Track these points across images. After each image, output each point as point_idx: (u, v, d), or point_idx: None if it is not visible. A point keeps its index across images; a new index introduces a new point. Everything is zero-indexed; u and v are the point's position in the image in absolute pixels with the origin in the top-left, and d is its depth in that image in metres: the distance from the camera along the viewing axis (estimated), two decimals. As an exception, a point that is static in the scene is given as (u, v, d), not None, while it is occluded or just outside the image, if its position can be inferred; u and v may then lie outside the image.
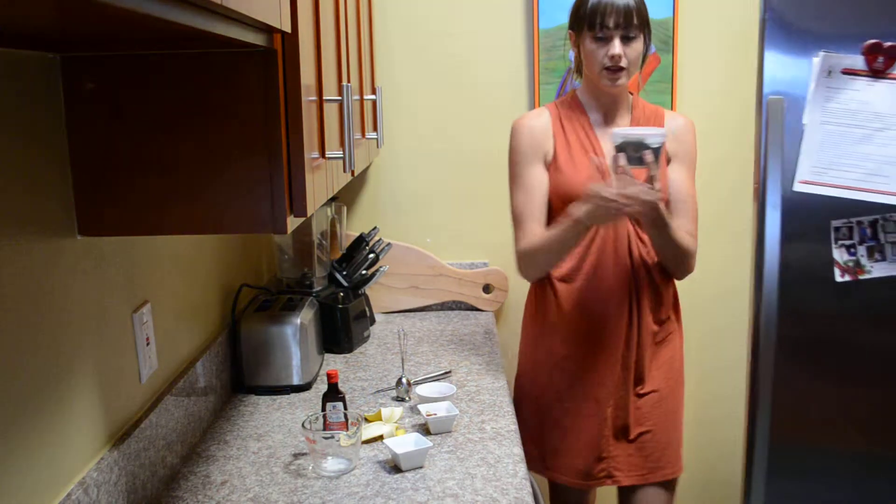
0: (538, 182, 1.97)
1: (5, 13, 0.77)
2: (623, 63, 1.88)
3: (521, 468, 1.62)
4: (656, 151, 1.73)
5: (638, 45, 1.90)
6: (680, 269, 1.99)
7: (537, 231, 1.95)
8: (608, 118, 2.01)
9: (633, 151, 1.74)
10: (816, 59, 2.05)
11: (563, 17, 2.58)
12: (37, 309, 1.16)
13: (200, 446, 1.76)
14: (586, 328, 1.99)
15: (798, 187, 2.09)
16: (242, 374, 2.06)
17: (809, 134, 2.07)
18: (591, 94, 2.01)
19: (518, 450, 1.71)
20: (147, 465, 1.48)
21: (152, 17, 0.67)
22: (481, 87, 2.67)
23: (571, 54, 2.65)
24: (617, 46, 1.86)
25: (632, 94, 2.05)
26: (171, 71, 1.13)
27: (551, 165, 1.98)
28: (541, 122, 2.01)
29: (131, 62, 1.14)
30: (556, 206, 1.97)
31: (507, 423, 1.84)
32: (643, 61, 1.97)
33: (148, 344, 1.53)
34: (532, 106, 2.67)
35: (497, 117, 2.66)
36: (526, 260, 1.98)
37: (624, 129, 1.79)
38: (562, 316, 2.01)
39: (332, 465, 1.62)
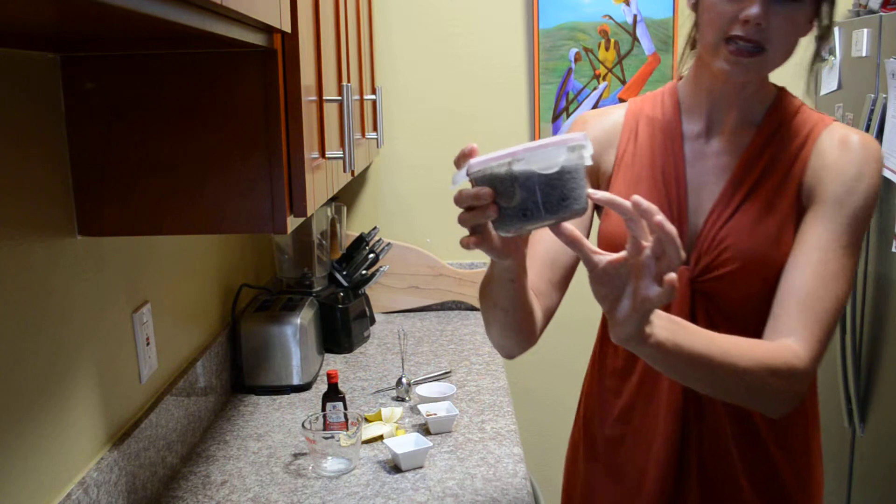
0: None
1: (5, 13, 0.77)
2: (762, 37, 1.08)
3: (521, 468, 1.62)
4: (548, 182, 0.84)
5: (798, 16, 1.10)
6: (762, 406, 1.12)
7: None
8: (715, 128, 1.22)
9: (503, 189, 0.86)
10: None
11: (563, 17, 2.58)
12: (37, 309, 1.16)
13: (200, 446, 1.76)
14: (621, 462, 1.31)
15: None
16: (242, 374, 2.06)
17: (889, 124, 2.20)
18: (697, 84, 1.22)
19: (518, 450, 1.71)
20: (147, 465, 1.48)
21: (152, 17, 0.67)
22: (481, 86, 2.67)
23: (572, 53, 2.66)
24: (760, 1, 1.07)
25: (780, 90, 1.24)
26: (172, 71, 1.13)
27: (608, 186, 1.28)
28: (607, 122, 1.30)
29: (131, 62, 1.14)
30: (607, 248, 1.08)
31: (507, 423, 1.84)
32: (815, 56, 1.21)
33: (148, 344, 1.53)
34: (532, 106, 2.67)
35: (496, 117, 2.67)
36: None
37: (482, 158, 0.86)
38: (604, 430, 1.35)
39: (332, 465, 1.62)
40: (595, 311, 1.19)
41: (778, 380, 1.05)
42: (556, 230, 0.88)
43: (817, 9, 1.13)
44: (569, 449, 1.47)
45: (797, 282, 1.11)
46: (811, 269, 1.11)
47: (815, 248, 1.12)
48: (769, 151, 1.18)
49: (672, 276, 0.85)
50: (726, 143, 1.21)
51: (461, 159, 0.88)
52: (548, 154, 0.85)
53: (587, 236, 1.20)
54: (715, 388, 1.08)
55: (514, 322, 1.12)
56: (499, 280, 1.06)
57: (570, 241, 0.88)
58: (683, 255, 0.86)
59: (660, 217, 0.83)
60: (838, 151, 1.15)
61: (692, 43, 1.25)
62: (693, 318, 1.17)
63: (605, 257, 0.88)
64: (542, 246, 1.24)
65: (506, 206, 0.86)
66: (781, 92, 1.23)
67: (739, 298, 1.17)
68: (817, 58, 1.21)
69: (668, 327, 0.96)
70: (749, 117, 1.21)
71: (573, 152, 0.85)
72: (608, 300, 0.90)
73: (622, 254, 0.87)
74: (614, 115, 1.31)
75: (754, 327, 1.14)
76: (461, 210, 0.89)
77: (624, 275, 0.88)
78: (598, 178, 1.30)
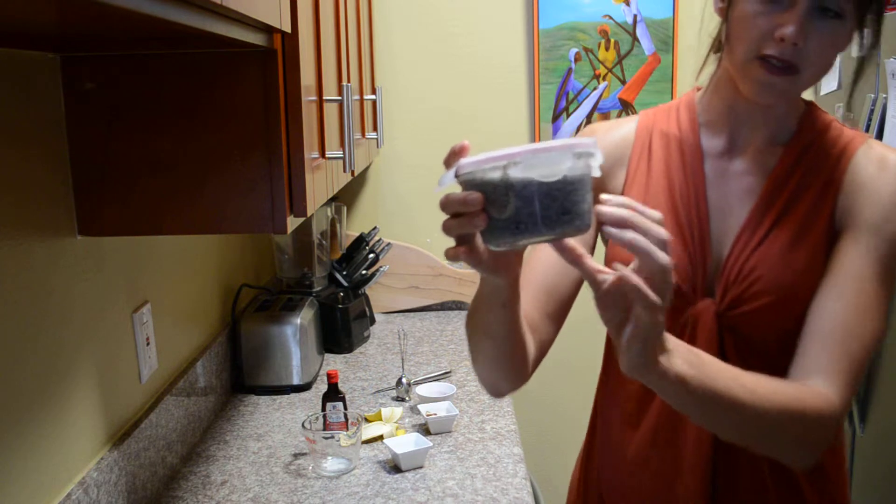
0: None
1: (5, 13, 0.77)
2: (798, 57, 0.97)
3: (521, 468, 1.62)
4: (548, 192, 0.74)
5: (838, 34, 0.98)
6: (785, 454, 1.00)
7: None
8: (739, 146, 1.10)
9: (496, 196, 0.75)
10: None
11: (563, 17, 2.58)
12: (37, 309, 1.16)
13: (200, 446, 1.76)
14: None
15: None
16: (242, 374, 2.06)
17: (889, 124, 2.19)
18: (718, 96, 1.11)
19: (518, 450, 1.71)
20: (147, 465, 1.48)
21: (152, 17, 0.67)
22: (481, 86, 2.67)
23: (572, 53, 2.66)
24: (797, 20, 0.95)
25: (809, 104, 1.11)
26: (171, 71, 1.13)
27: None
28: (616, 136, 1.17)
29: (131, 62, 1.14)
30: None
31: (507, 423, 1.84)
32: (858, 74, 1.14)
33: (148, 344, 1.52)
34: (532, 106, 2.67)
35: (496, 116, 2.67)
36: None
37: (474, 158, 0.76)
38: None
39: (332, 465, 1.62)
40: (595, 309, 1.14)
41: (804, 427, 0.95)
42: (557, 245, 0.80)
43: (860, 23, 1.00)
44: (571, 484, 1.34)
45: (827, 315, 1.00)
46: (843, 302, 0.99)
47: (848, 277, 1.00)
48: (799, 172, 1.07)
49: (649, 295, 0.77)
50: (752, 162, 1.09)
51: (451, 158, 0.78)
52: (550, 159, 0.73)
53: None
54: (734, 432, 0.97)
55: (505, 354, 1.01)
56: (488, 303, 0.95)
57: (573, 259, 0.80)
58: (664, 259, 0.78)
59: (612, 230, 0.78)
60: (876, 172, 1.04)
61: (716, 47, 1.11)
62: (723, 357, 1.02)
63: (610, 276, 0.80)
64: (538, 271, 1.12)
65: (497, 216, 0.75)
66: (810, 107, 1.11)
67: (773, 336, 1.04)
68: (859, 77, 1.10)
69: (688, 360, 0.86)
70: (776, 135, 1.09)
71: (579, 160, 0.74)
72: (613, 324, 0.82)
73: (626, 270, 0.79)
74: (624, 129, 1.17)
75: (783, 367, 1.01)
76: (447, 216, 0.79)
77: (630, 295, 0.79)
78: (606, 193, 1.14)
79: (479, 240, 0.81)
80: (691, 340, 1.03)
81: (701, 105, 1.14)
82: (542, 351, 1.10)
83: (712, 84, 1.12)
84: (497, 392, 1.09)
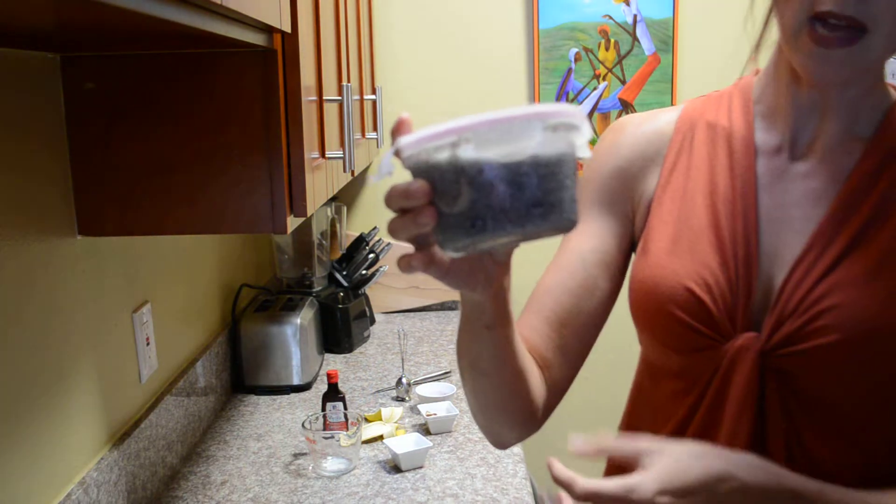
0: (587, 248, 0.91)
1: (5, 13, 0.77)
2: (863, 11, 0.72)
3: (521, 468, 1.62)
4: (512, 177, 0.57)
5: None
6: None
7: (523, 331, 0.89)
8: (802, 140, 0.86)
9: (445, 184, 0.59)
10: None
11: (563, 17, 2.58)
12: (36, 309, 1.15)
13: (200, 446, 1.76)
14: None
15: None
16: (242, 374, 2.06)
17: None
18: (776, 81, 0.88)
19: (518, 450, 1.71)
20: (147, 465, 1.48)
21: (152, 17, 0.67)
22: (481, 87, 2.67)
23: (572, 53, 2.66)
24: None
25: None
26: (171, 71, 1.13)
27: (645, 217, 0.92)
28: (650, 128, 0.94)
29: (131, 62, 1.14)
30: (638, 301, 0.89)
31: (507, 423, 1.84)
32: None
33: (148, 344, 1.52)
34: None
35: (497, 117, 2.66)
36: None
37: (417, 135, 0.60)
38: None
39: (332, 465, 1.62)
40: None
41: None
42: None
43: None
44: None
45: None
46: None
47: None
48: (888, 175, 0.81)
49: None
50: (820, 161, 0.84)
51: (392, 136, 0.61)
52: (512, 133, 0.56)
53: (620, 283, 0.92)
54: None
55: (500, 392, 0.82)
56: (470, 325, 0.75)
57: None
58: None
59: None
60: None
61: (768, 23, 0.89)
62: (761, 410, 0.80)
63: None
64: (549, 295, 0.89)
65: (448, 210, 0.57)
66: None
67: (836, 391, 0.76)
68: None
69: None
70: (854, 126, 0.83)
71: (555, 133, 0.56)
72: None
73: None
74: (661, 120, 0.94)
75: (864, 442, 0.75)
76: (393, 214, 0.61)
77: None
78: (634, 204, 0.93)
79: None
80: (722, 388, 0.81)
81: (757, 92, 0.90)
82: (556, 392, 0.90)
83: (769, 67, 0.89)
84: (500, 442, 0.91)
